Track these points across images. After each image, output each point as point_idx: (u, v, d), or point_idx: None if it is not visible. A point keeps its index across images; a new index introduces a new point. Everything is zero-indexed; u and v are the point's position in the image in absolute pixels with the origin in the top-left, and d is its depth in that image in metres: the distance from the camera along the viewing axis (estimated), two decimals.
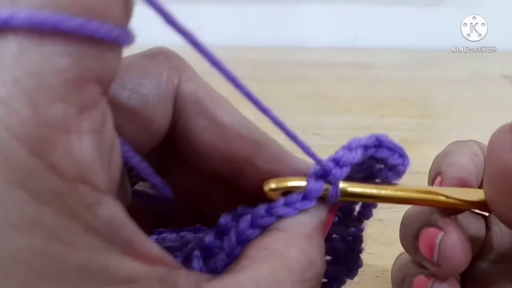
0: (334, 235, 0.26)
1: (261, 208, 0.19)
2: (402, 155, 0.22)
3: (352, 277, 0.27)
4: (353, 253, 0.27)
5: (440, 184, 0.25)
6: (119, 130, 0.17)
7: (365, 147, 0.21)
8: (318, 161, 0.20)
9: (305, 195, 0.20)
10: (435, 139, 0.55)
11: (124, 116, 0.18)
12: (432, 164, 0.27)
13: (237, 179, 0.21)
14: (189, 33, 0.15)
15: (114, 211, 0.14)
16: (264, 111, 0.18)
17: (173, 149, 0.22)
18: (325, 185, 0.20)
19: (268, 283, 0.16)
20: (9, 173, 0.12)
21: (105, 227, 0.13)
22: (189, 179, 0.23)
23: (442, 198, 0.23)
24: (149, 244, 0.15)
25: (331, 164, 0.21)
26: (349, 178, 0.22)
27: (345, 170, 0.21)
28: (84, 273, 0.13)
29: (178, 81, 0.19)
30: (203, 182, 0.23)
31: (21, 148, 0.12)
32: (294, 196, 0.20)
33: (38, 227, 0.12)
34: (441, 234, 0.23)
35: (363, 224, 0.26)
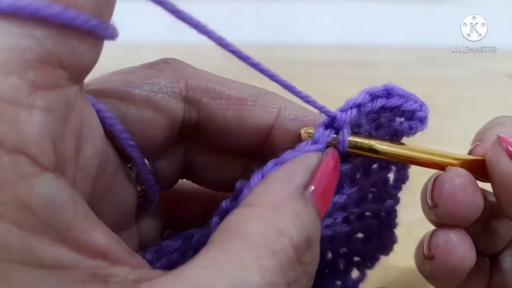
0: (367, 213, 0.26)
1: (270, 161, 0.19)
2: (417, 100, 0.22)
3: (387, 254, 0.26)
4: (387, 228, 0.26)
5: (476, 147, 0.24)
6: (125, 121, 0.19)
7: (372, 95, 0.21)
8: (319, 108, 0.21)
9: (314, 141, 0.20)
10: (440, 138, 0.55)
11: (128, 109, 0.19)
12: (477, 132, 0.26)
13: (266, 148, 0.22)
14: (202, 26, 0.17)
15: (55, 190, 0.13)
16: (254, 65, 0.19)
17: (199, 144, 0.23)
18: (334, 135, 0.21)
19: (224, 269, 0.14)
20: None
21: (40, 205, 0.13)
22: (219, 170, 0.24)
23: (438, 158, 0.22)
24: (93, 235, 0.14)
25: (337, 112, 0.21)
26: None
27: (350, 113, 0.21)
28: (2, 248, 0.12)
29: (184, 79, 0.21)
30: (234, 168, 0.23)
31: None
32: (303, 144, 0.20)
33: None
34: (440, 172, 0.22)
35: (400, 193, 0.25)
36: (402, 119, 0.22)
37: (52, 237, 0.13)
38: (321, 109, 0.21)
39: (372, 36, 0.86)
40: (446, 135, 0.56)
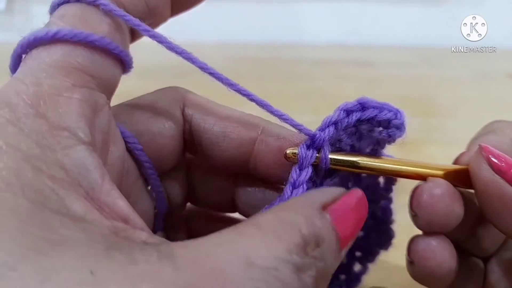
0: None
1: (276, 199, 0.22)
2: (391, 109, 0.23)
3: (386, 248, 0.27)
4: (384, 225, 0.27)
5: (461, 156, 0.25)
6: (136, 135, 0.23)
7: (347, 111, 0.22)
8: (296, 126, 0.22)
9: (300, 165, 0.22)
10: (441, 139, 0.55)
11: (138, 125, 0.23)
12: (470, 140, 0.27)
13: (251, 165, 0.24)
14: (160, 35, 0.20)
15: (86, 157, 0.17)
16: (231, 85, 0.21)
17: (197, 163, 0.26)
18: (317, 154, 0.22)
19: (236, 245, 0.15)
20: (7, 115, 0.16)
21: (72, 166, 0.16)
22: (214, 189, 0.27)
23: (421, 170, 0.23)
24: (116, 200, 0.17)
25: (316, 131, 0.22)
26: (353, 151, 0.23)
27: (328, 131, 0.22)
28: (39, 194, 0.15)
29: (182, 100, 0.24)
30: (225, 186, 0.27)
31: (21, 102, 0.17)
32: (293, 173, 0.22)
33: (16, 151, 0.16)
34: (419, 182, 0.23)
35: (392, 193, 0.26)
36: (380, 128, 0.23)
37: (79, 194, 0.16)
38: (297, 127, 0.22)
39: (373, 36, 0.86)
40: (446, 135, 0.56)
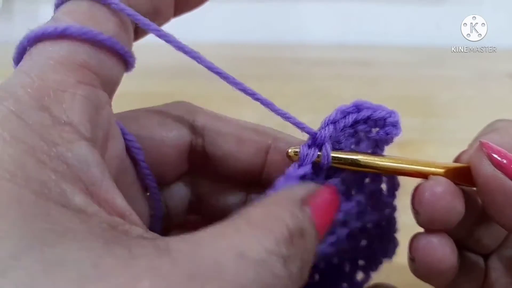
0: (368, 225, 0.27)
1: (268, 191, 0.21)
2: (385, 109, 0.23)
3: (390, 257, 0.28)
4: (389, 235, 0.27)
5: (462, 154, 0.25)
6: (139, 139, 0.23)
7: (343, 112, 0.23)
8: (298, 124, 0.22)
9: (300, 162, 0.22)
10: (441, 139, 0.55)
11: (143, 130, 0.24)
12: (473, 139, 0.27)
13: (264, 175, 0.25)
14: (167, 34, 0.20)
15: (88, 153, 0.17)
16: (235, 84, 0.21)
17: (206, 172, 0.26)
18: (318, 152, 0.22)
19: (229, 239, 0.16)
20: (12, 106, 0.16)
21: (74, 161, 0.16)
22: (223, 198, 0.27)
23: (421, 168, 0.23)
24: (114, 196, 0.17)
25: (317, 130, 0.23)
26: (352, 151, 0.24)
27: (327, 129, 0.22)
28: (43, 186, 0.15)
29: (193, 113, 0.25)
30: (236, 197, 0.27)
31: (26, 95, 0.17)
32: (291, 169, 0.22)
33: (20, 143, 0.16)
34: (421, 181, 0.23)
35: (395, 201, 0.26)
36: (377, 128, 0.24)
37: (80, 188, 0.16)
38: (299, 125, 0.22)
39: (372, 36, 0.86)
40: (446, 135, 0.56)
